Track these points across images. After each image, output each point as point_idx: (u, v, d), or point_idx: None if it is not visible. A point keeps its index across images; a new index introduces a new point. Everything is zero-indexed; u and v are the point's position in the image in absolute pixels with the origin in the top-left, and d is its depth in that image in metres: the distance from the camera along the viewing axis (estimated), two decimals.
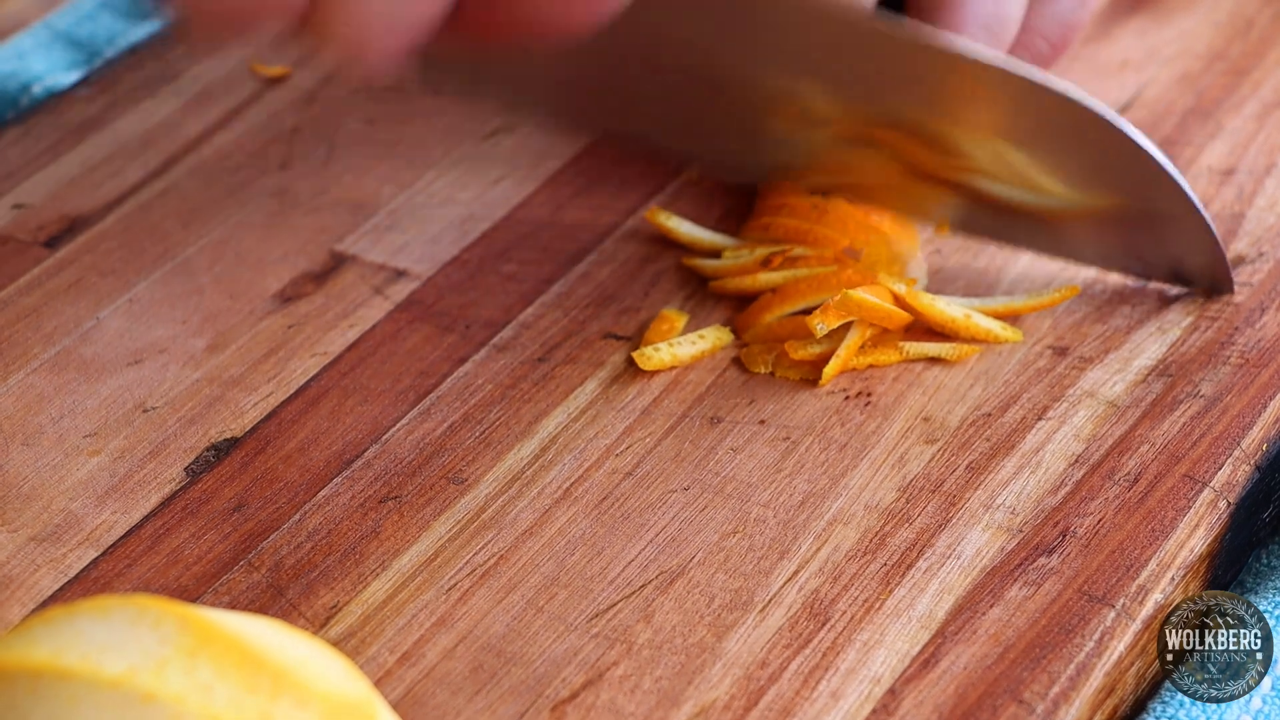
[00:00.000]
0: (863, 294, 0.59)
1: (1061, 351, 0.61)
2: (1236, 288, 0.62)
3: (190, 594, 0.55)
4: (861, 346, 0.61)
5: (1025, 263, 0.65)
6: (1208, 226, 0.61)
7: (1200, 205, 0.60)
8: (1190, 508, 0.55)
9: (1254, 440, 0.57)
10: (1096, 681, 0.51)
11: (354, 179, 0.71)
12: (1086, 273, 0.64)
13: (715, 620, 0.53)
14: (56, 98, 0.76)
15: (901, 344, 0.61)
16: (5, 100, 0.76)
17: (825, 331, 0.60)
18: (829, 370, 0.60)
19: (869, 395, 0.60)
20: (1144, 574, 0.53)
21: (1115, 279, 0.63)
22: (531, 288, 0.65)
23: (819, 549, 0.55)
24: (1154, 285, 0.63)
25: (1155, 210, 0.61)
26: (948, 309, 0.61)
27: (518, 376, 0.62)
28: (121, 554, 0.57)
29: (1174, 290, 0.63)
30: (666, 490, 0.57)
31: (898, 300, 0.61)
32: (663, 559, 0.55)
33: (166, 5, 0.54)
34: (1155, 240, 0.62)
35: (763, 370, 0.61)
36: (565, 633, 0.53)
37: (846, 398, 0.60)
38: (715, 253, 0.65)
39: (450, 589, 0.55)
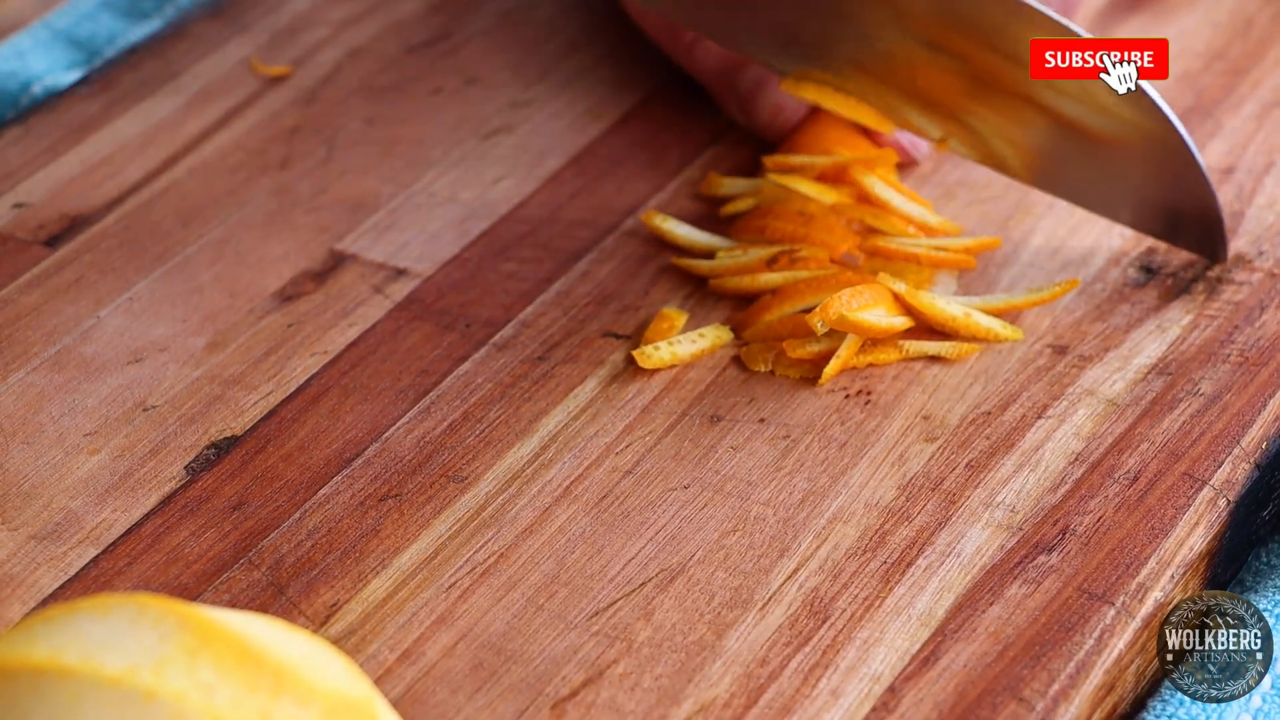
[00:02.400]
0: (856, 315, 0.59)
1: (1061, 350, 0.61)
2: (1236, 287, 0.62)
3: (191, 592, 0.55)
4: (861, 345, 0.61)
5: (1025, 261, 0.65)
6: (1205, 178, 0.62)
7: (1199, 157, 0.61)
8: (1190, 506, 0.55)
9: (1254, 438, 0.57)
10: (1096, 679, 0.51)
11: (354, 178, 0.71)
12: (1087, 269, 0.64)
13: (715, 618, 0.53)
14: (56, 97, 0.76)
15: (901, 342, 0.61)
16: (5, 100, 0.76)
17: (825, 330, 0.60)
18: (829, 369, 0.60)
19: (869, 394, 0.60)
20: (1144, 572, 0.53)
21: (1115, 277, 0.63)
22: (531, 286, 0.65)
23: (819, 547, 0.55)
24: (1152, 283, 0.63)
25: (1169, 158, 0.62)
26: (948, 308, 0.61)
27: (517, 375, 0.62)
28: (122, 552, 0.57)
29: (1169, 280, 0.63)
30: (666, 488, 0.57)
31: (897, 299, 0.61)
32: (663, 557, 0.55)
33: None
34: (1171, 188, 0.63)
35: (762, 369, 0.61)
36: (565, 631, 0.53)
37: (846, 396, 0.60)
38: (710, 254, 0.65)
39: (450, 587, 0.55)
